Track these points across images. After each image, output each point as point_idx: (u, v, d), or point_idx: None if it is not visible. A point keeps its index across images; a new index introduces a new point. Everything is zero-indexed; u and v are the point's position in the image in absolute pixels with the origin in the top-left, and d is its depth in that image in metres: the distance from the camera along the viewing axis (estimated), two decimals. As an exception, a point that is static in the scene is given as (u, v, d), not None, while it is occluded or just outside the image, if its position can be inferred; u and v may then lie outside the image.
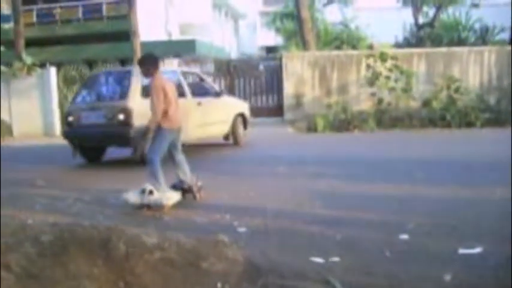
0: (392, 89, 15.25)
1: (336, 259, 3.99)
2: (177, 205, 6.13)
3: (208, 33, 29.73)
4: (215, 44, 28.48)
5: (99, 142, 10.08)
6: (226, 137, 11.88)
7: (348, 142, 12.00)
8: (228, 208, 5.89)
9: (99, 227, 4.16)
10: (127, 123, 9.11)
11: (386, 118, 15.05)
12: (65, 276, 3.67)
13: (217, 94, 11.42)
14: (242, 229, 5.03)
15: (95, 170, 8.95)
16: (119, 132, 9.27)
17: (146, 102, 8.00)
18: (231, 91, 17.62)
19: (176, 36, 27.58)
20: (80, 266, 3.75)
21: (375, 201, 5.94)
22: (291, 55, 18.26)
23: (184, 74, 11.05)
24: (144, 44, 16.68)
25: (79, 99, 10.40)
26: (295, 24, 27.57)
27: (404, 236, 4.49)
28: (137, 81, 9.35)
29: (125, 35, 17.52)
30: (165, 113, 6.12)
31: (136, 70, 9.17)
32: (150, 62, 6.27)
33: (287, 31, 33.84)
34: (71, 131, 10.04)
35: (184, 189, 6.41)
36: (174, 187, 6.39)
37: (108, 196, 6.83)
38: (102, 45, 22.77)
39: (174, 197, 6.14)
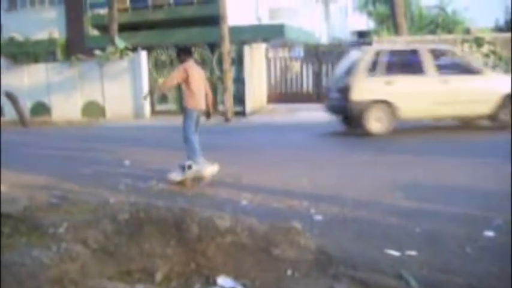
0: (488, 76, 14.37)
1: (413, 253, 3.80)
2: (258, 189, 6.17)
3: (299, 18, 29.48)
4: (305, 29, 28.15)
5: (336, 114, 11.50)
6: (491, 118, 10.79)
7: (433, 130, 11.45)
8: (306, 195, 5.80)
9: (174, 209, 4.22)
10: (345, 97, 10.37)
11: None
12: (139, 254, 3.75)
13: (476, 72, 10.77)
14: (318, 217, 4.92)
15: (173, 151, 9.07)
16: (339, 105, 10.76)
17: (371, 80, 10.45)
18: (318, 76, 17.41)
19: (266, 21, 27.54)
20: (153, 246, 3.81)
21: (462, 195, 5.60)
22: (382, 40, 17.69)
23: (433, 51, 10.87)
24: (233, 29, 16.76)
25: (335, 74, 12.19)
26: (387, 8, 26.74)
27: (489, 233, 4.20)
28: (365, 59, 10.56)
29: (214, 20, 17.73)
30: (192, 95, 6.88)
31: (367, 49, 11.22)
32: (184, 53, 7.15)
33: (379, 15, 32.94)
34: (327, 103, 11.75)
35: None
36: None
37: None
38: (191, 29, 23.16)
39: (212, 169, 6.86)
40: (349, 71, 10.82)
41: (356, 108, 10.33)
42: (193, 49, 7.53)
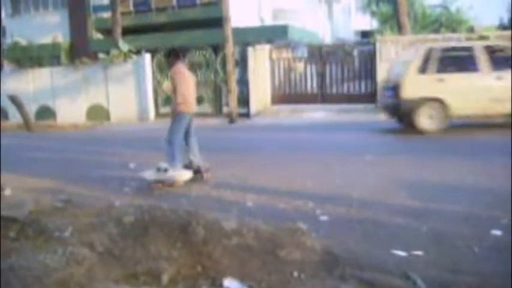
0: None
1: (419, 253, 3.78)
2: (261, 191, 6.12)
3: (302, 18, 29.44)
4: (308, 29, 28.08)
5: (389, 112, 11.56)
6: None
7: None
8: (312, 195, 5.77)
9: (179, 211, 4.21)
10: (397, 95, 10.56)
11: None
12: (145, 257, 3.73)
13: None
14: (324, 217, 4.90)
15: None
16: (392, 103, 10.90)
17: (422, 78, 10.49)
18: (322, 77, 17.37)
19: (269, 21, 27.50)
20: (159, 248, 3.80)
21: (467, 194, 5.57)
22: (385, 39, 17.65)
23: (488, 48, 10.72)
24: (236, 30, 16.76)
25: (388, 73, 12.28)
26: (390, 7, 26.71)
27: (497, 232, 4.17)
28: (417, 57, 10.70)
29: (218, 22, 17.75)
30: (183, 98, 6.81)
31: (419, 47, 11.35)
32: (172, 55, 7.14)
33: (383, 14, 32.97)
34: (380, 102, 12.32)
35: (193, 170, 7.01)
36: (185, 167, 7.01)
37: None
38: (194, 31, 23.13)
39: (186, 174, 6.84)
40: (402, 69, 10.98)
41: (407, 105, 10.42)
42: (182, 52, 7.49)
